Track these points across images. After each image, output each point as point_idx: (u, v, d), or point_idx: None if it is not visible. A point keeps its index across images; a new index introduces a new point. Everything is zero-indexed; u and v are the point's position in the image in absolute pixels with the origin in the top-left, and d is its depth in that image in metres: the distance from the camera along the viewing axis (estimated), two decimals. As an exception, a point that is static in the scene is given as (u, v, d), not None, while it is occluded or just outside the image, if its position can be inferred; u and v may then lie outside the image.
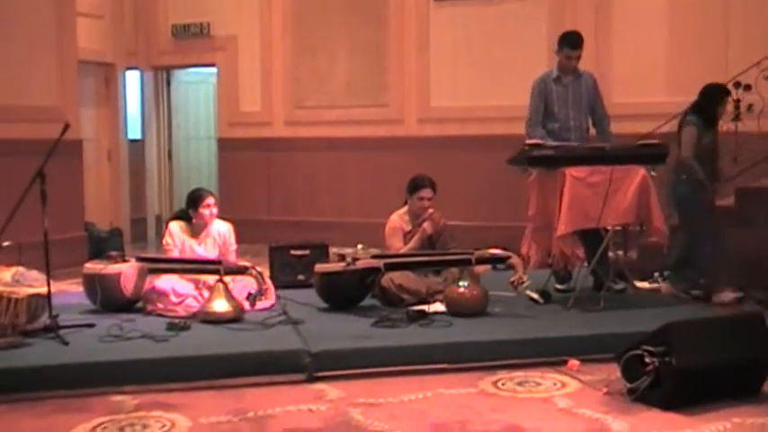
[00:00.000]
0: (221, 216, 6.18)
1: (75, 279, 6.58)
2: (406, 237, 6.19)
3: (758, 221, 6.71)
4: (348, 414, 4.06)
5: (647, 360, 4.02)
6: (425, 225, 6.13)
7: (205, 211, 5.96)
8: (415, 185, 6.21)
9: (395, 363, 4.72)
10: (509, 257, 5.80)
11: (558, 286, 6.33)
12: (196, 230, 6.02)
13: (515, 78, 8.32)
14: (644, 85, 8.32)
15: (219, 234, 6.06)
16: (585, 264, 6.33)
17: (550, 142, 5.98)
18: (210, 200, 5.99)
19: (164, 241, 6.11)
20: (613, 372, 4.34)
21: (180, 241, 5.99)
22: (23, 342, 4.85)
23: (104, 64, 10.13)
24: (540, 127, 6.23)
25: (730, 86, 7.27)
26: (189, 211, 6.01)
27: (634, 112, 7.92)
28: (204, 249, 5.98)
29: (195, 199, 6.00)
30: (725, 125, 7.35)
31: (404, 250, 6.10)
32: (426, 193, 6.17)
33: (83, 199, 8.84)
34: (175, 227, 6.03)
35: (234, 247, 6.12)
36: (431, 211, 6.15)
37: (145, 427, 3.90)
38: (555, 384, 4.49)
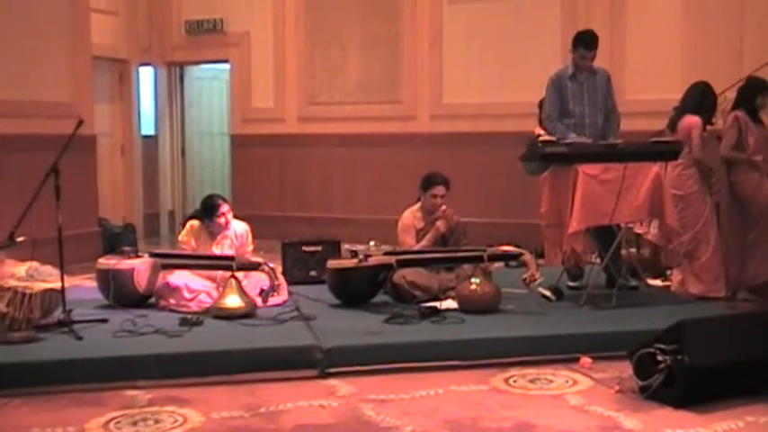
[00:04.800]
0: (235, 214, 6.18)
1: (89, 274, 6.61)
2: (419, 234, 6.19)
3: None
4: (360, 410, 4.07)
5: (660, 358, 4.02)
6: (439, 224, 6.12)
7: (221, 220, 5.96)
8: (428, 183, 6.21)
9: (407, 359, 4.72)
10: (521, 254, 5.80)
11: (571, 283, 6.31)
12: (214, 231, 6.03)
13: (528, 75, 8.31)
14: (658, 81, 8.27)
15: (237, 235, 6.06)
16: (597, 261, 6.32)
17: (572, 136, 5.97)
18: (225, 207, 5.98)
19: (180, 237, 6.13)
20: (626, 369, 4.34)
21: (197, 242, 6.00)
22: (38, 337, 4.88)
23: (118, 60, 10.17)
24: (559, 122, 6.21)
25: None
26: (205, 220, 6.03)
27: (648, 109, 7.89)
28: (221, 251, 5.98)
29: (209, 208, 5.98)
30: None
31: (416, 248, 6.10)
32: (440, 190, 6.16)
33: (96, 194, 8.88)
34: (194, 226, 6.04)
35: (250, 248, 6.13)
36: (444, 207, 6.15)
37: (157, 421, 3.92)
38: (567, 382, 4.49)
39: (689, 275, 6.24)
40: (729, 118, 6.25)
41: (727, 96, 7.18)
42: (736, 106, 6.29)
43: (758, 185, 6.17)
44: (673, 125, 6.35)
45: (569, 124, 6.22)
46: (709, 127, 6.34)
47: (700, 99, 6.30)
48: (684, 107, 6.32)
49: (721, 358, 4.05)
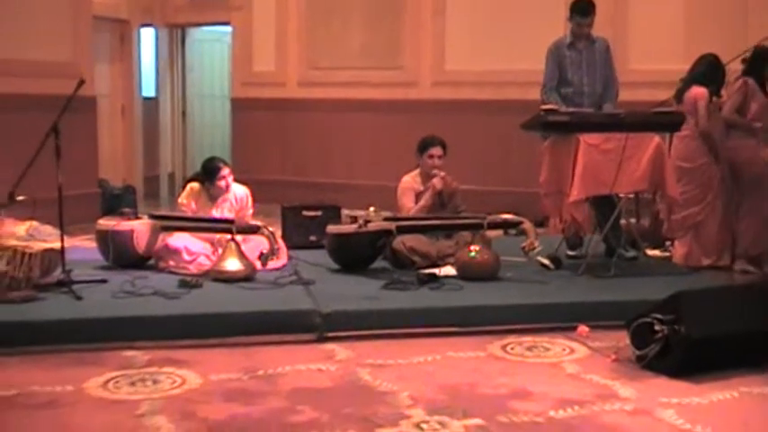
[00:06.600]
0: (236, 177, 6.18)
1: (89, 235, 6.61)
2: (418, 197, 6.19)
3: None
4: (357, 374, 4.09)
5: (657, 328, 4.03)
6: (435, 181, 6.08)
7: (221, 183, 5.96)
8: (424, 144, 6.21)
9: (404, 325, 4.74)
10: (521, 223, 5.81)
11: (570, 252, 6.32)
12: (214, 194, 6.03)
13: (531, 42, 8.22)
14: (661, 51, 8.23)
15: (237, 198, 6.06)
16: (597, 230, 6.33)
17: (564, 108, 5.96)
18: (225, 171, 5.98)
19: (180, 200, 6.13)
20: (622, 339, 4.35)
21: (197, 204, 6.01)
22: (37, 296, 4.89)
23: (119, 20, 10.10)
24: (555, 93, 6.20)
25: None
26: (205, 183, 6.02)
27: (650, 80, 7.85)
28: (221, 214, 5.99)
29: (210, 171, 5.98)
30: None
31: (415, 208, 6.11)
32: (436, 150, 6.15)
33: (96, 155, 8.85)
34: (195, 189, 6.04)
35: (250, 211, 6.13)
36: (443, 174, 6.12)
37: (156, 382, 3.94)
38: (564, 350, 4.51)
39: (697, 248, 6.24)
40: (738, 82, 6.21)
41: (731, 68, 7.14)
42: (745, 74, 6.26)
43: (755, 152, 6.15)
44: (679, 96, 6.33)
45: (568, 92, 6.21)
46: (715, 99, 6.31)
47: (708, 70, 6.26)
48: (692, 78, 6.29)
49: (718, 329, 4.06)
